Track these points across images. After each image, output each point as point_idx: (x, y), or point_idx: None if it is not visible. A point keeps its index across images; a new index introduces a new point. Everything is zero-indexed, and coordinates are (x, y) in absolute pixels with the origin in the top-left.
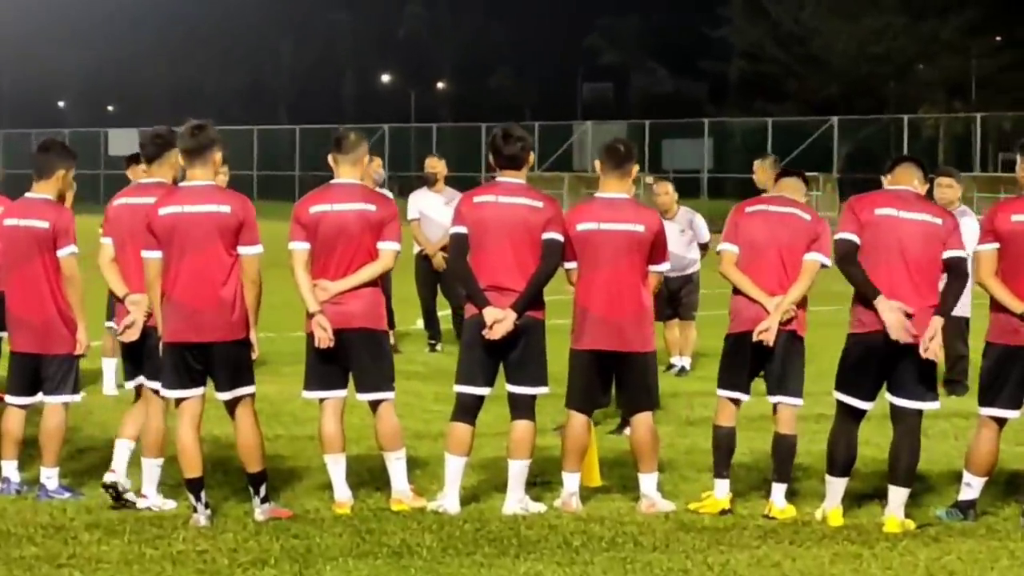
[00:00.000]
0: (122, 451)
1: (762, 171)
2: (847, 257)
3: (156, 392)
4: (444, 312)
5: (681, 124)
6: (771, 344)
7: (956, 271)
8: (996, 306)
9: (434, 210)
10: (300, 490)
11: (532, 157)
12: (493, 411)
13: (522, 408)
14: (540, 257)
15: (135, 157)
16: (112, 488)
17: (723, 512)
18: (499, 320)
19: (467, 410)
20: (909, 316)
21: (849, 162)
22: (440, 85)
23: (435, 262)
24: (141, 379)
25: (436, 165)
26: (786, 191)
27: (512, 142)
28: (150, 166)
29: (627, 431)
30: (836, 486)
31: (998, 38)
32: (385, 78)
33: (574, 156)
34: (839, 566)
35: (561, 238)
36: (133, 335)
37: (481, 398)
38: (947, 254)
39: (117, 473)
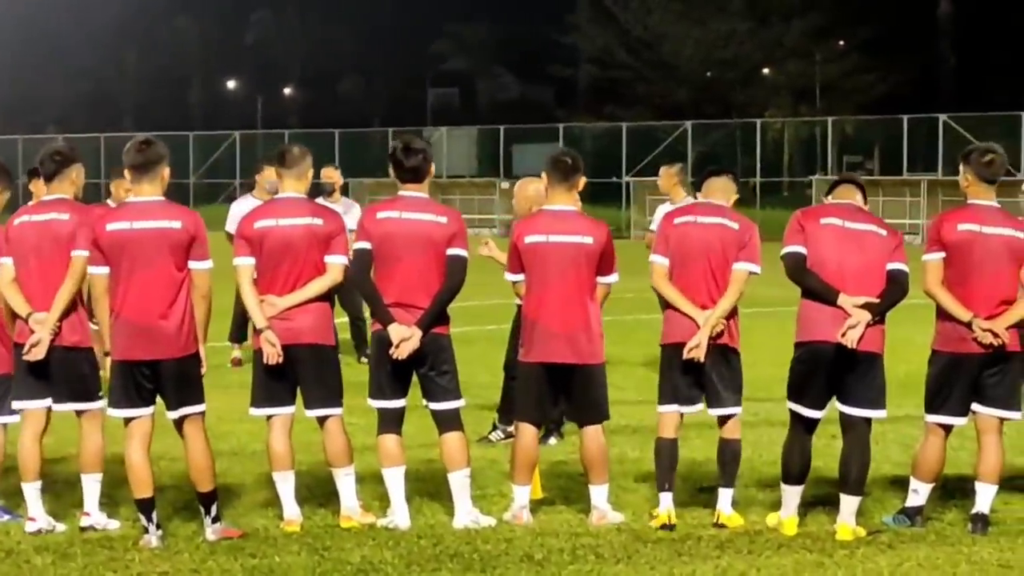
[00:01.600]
0: (32, 494)
1: (668, 178)
2: (797, 269)
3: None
4: (340, 320)
5: (534, 129)
6: (702, 359)
7: (897, 283)
8: (942, 315)
9: None
10: (241, 508)
11: (433, 168)
12: (414, 422)
13: (447, 421)
14: (445, 274)
15: (37, 171)
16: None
17: (664, 527)
18: (405, 338)
19: (390, 421)
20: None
21: (700, 166)
22: (287, 91)
23: None
24: (48, 401)
25: (333, 175)
26: (715, 195)
27: (413, 154)
28: (49, 183)
29: (552, 440)
30: (791, 495)
31: (841, 43)
32: (231, 84)
33: None
34: (805, 574)
35: (466, 254)
36: (39, 354)
37: (401, 408)
38: (891, 266)
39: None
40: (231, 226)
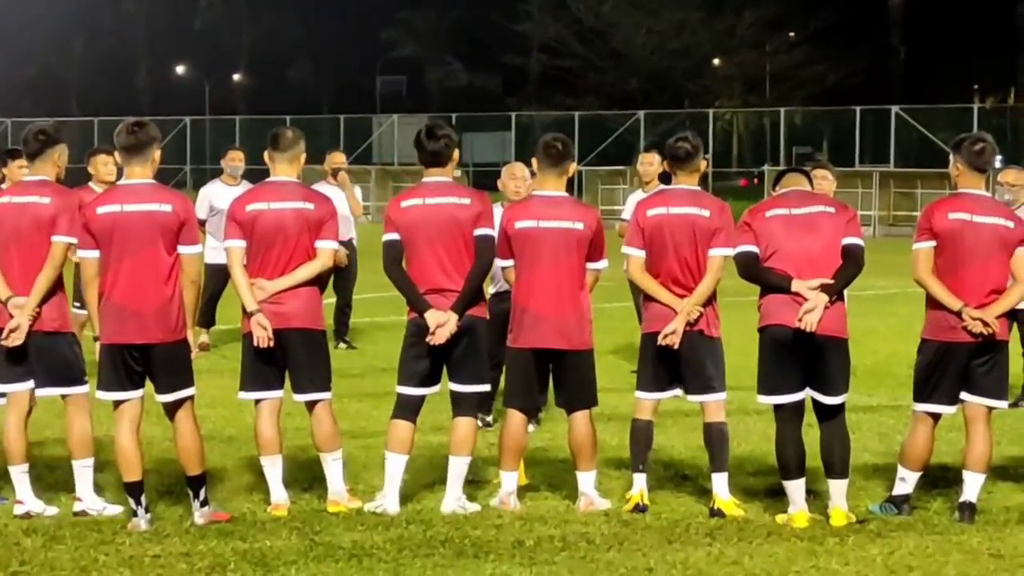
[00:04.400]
0: (19, 477)
1: (653, 165)
2: (748, 266)
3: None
4: (328, 301)
5: (485, 117)
6: (676, 346)
7: (852, 257)
8: (932, 303)
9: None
10: (224, 492)
11: (457, 153)
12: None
13: (465, 405)
14: (474, 254)
15: (11, 152)
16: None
17: (636, 508)
18: (442, 323)
19: (409, 408)
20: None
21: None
22: (236, 77)
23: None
24: (30, 383)
25: (340, 159)
26: (682, 182)
27: (436, 139)
28: (32, 163)
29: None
30: (795, 489)
31: (792, 34)
32: (180, 70)
33: (374, 149)
34: (799, 563)
35: (493, 233)
36: (18, 339)
37: (424, 397)
38: (845, 241)
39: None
40: (201, 211)
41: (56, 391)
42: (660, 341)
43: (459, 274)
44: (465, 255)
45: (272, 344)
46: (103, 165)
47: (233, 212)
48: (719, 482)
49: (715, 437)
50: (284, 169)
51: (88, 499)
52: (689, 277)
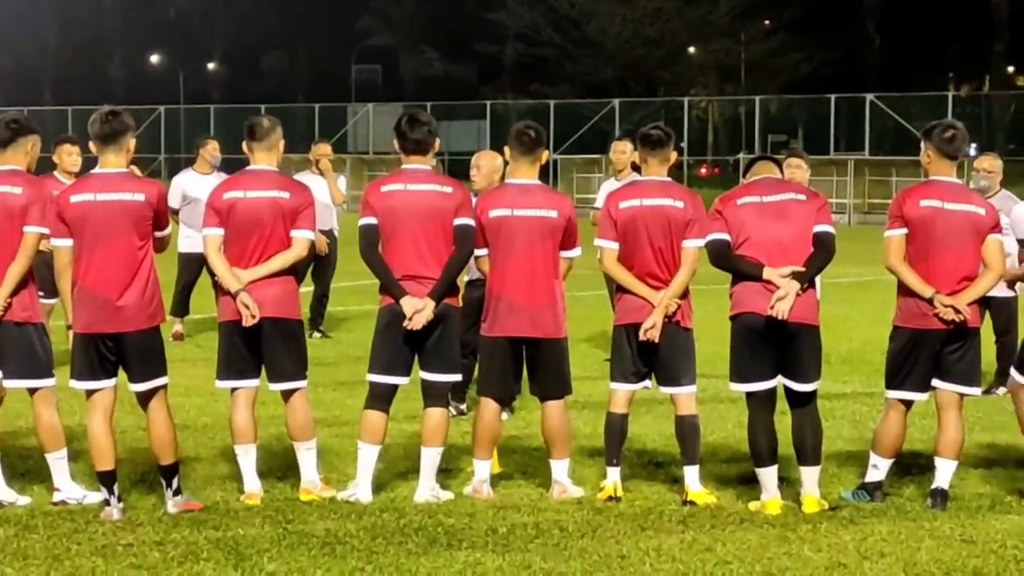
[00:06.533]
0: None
1: (627, 153)
2: (720, 254)
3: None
4: (306, 289)
5: (460, 106)
6: (657, 340)
7: (823, 244)
8: (904, 290)
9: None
10: (198, 481)
11: (438, 142)
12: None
13: (437, 396)
14: (453, 243)
15: None
16: None
17: (610, 499)
18: (419, 310)
19: (382, 398)
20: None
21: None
22: (211, 66)
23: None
24: None
25: (326, 150)
26: (655, 169)
27: (418, 127)
28: (3, 152)
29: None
30: (767, 476)
31: (767, 22)
32: (154, 59)
33: (349, 138)
34: (772, 549)
35: (473, 223)
36: None
37: (396, 386)
38: (816, 228)
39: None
40: (173, 200)
41: (23, 383)
42: (642, 336)
43: (436, 262)
44: (443, 244)
45: (257, 319)
46: (67, 155)
47: (211, 200)
48: (691, 475)
49: (687, 430)
50: (263, 158)
51: (67, 488)
52: (664, 269)
